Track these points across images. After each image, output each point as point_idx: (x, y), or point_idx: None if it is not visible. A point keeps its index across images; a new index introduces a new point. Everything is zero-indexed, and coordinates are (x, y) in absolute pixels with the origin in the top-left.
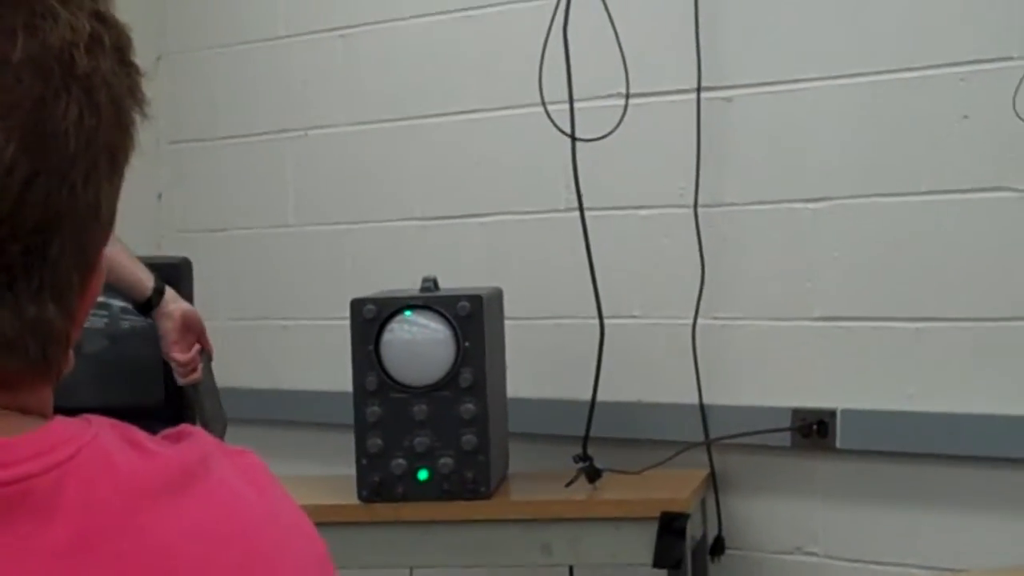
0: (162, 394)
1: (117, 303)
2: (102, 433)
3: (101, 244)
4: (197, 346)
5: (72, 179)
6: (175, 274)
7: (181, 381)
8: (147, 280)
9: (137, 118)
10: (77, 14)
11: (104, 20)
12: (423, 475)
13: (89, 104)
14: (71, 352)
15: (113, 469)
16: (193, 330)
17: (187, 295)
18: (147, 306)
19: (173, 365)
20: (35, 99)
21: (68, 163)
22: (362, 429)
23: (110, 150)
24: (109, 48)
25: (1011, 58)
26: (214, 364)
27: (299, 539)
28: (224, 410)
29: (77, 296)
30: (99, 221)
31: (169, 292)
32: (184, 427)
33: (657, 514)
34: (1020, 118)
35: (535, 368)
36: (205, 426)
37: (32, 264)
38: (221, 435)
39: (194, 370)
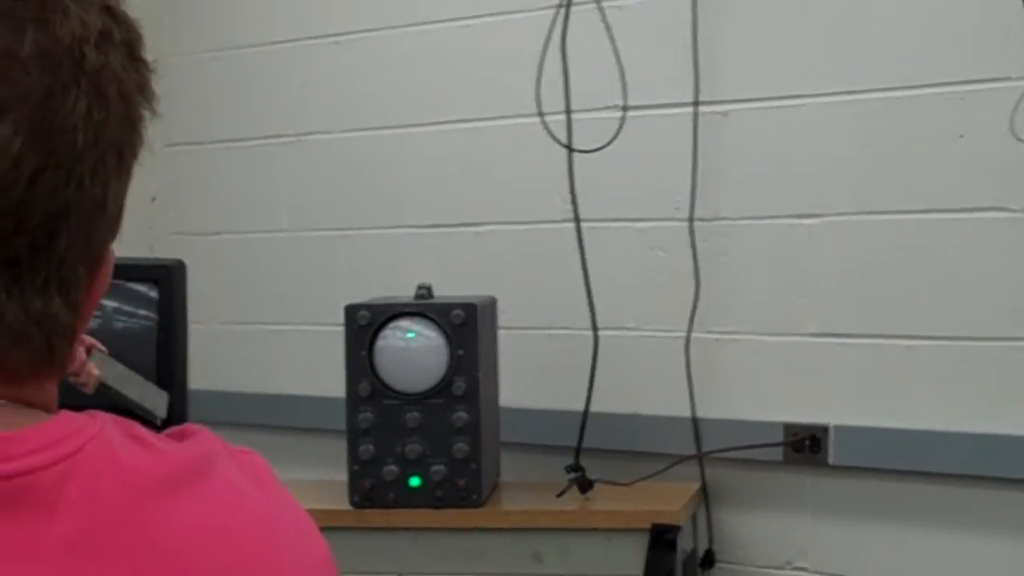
0: None
1: (111, 304)
2: (107, 428)
3: (108, 239)
4: (81, 352)
5: (79, 173)
6: (168, 276)
7: (89, 389)
8: None
9: (146, 114)
10: (88, 9)
11: (114, 15)
12: (415, 482)
13: (98, 99)
14: (76, 347)
15: (118, 465)
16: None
17: (180, 297)
18: None
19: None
20: (44, 93)
21: (76, 158)
22: (354, 435)
23: (118, 145)
24: (119, 43)
25: (1009, 78)
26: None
27: (301, 539)
28: (156, 387)
29: (83, 290)
30: (106, 216)
31: None
32: (188, 426)
33: (648, 526)
34: (1017, 138)
35: (528, 378)
36: (147, 415)
37: (38, 258)
38: (162, 413)
39: (83, 373)
